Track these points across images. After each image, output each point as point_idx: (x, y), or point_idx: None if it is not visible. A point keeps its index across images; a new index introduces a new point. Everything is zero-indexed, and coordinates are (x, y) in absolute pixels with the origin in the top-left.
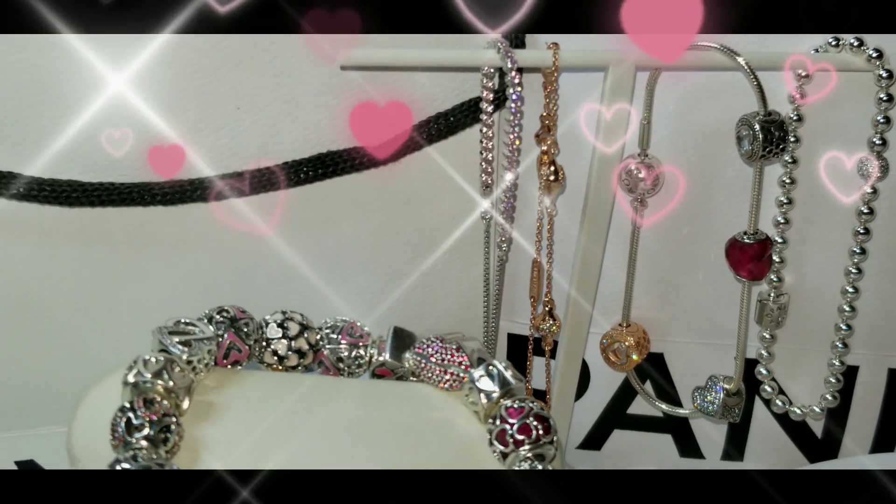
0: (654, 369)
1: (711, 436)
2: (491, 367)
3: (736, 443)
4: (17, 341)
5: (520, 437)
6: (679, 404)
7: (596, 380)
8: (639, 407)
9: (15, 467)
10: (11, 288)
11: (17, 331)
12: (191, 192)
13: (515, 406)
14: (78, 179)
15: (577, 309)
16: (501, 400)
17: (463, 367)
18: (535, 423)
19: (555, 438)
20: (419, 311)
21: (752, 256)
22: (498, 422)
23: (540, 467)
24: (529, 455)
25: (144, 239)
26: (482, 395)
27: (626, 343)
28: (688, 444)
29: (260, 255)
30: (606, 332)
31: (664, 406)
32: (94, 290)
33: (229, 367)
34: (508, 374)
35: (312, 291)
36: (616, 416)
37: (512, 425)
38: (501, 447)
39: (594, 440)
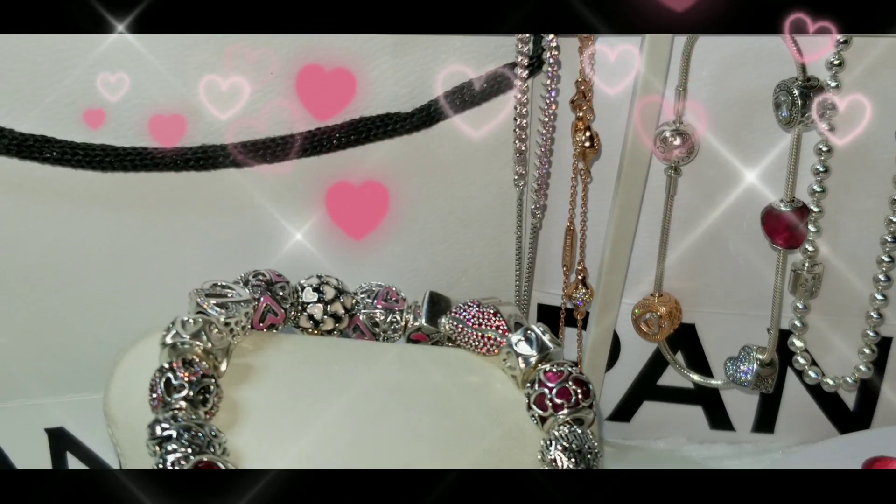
0: (686, 340)
1: (742, 408)
2: (529, 332)
3: (767, 415)
4: (49, 307)
5: (559, 401)
6: (711, 375)
7: (626, 351)
8: (669, 378)
9: (44, 435)
10: (44, 253)
11: (48, 296)
12: (223, 157)
13: (554, 370)
14: (111, 144)
15: (610, 278)
16: (539, 364)
17: (500, 331)
18: (574, 387)
19: (594, 403)
20: (450, 280)
21: (788, 224)
22: (536, 386)
23: (579, 431)
24: (568, 419)
25: (177, 204)
26: (520, 359)
27: (658, 313)
28: (718, 416)
29: (292, 221)
30: (638, 302)
31: (695, 377)
32: (127, 255)
33: (265, 330)
34: (547, 339)
35: (344, 260)
36: (646, 388)
37: (551, 389)
38: (540, 411)
39: (624, 412)
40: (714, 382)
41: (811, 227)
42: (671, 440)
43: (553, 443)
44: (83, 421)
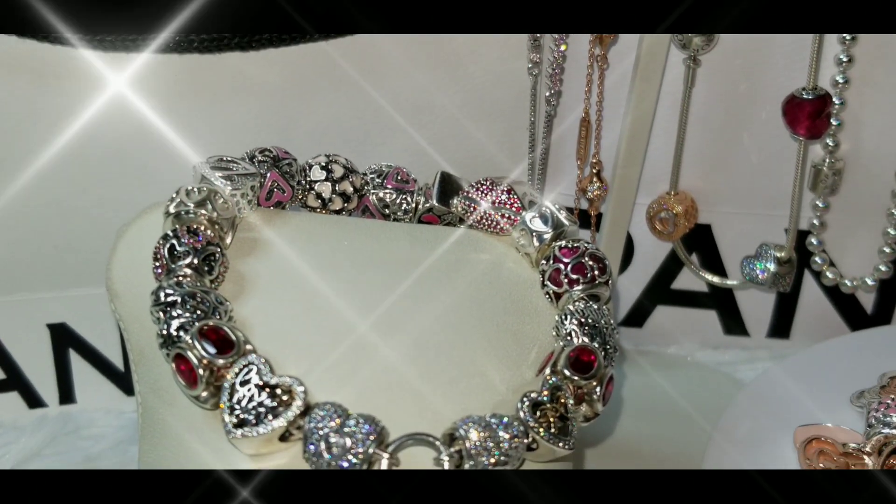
0: (702, 241)
1: (757, 312)
2: (544, 209)
3: (783, 319)
4: (49, 197)
5: (574, 277)
6: (726, 277)
7: (640, 253)
8: (683, 282)
9: (46, 331)
10: (44, 139)
11: (48, 186)
12: (228, 39)
13: (570, 246)
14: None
15: (625, 172)
16: (554, 242)
17: (514, 209)
18: (590, 262)
19: (610, 280)
20: (461, 173)
21: (810, 113)
22: (551, 262)
23: (595, 307)
24: (583, 296)
25: (181, 89)
26: (534, 236)
27: (674, 211)
28: (732, 320)
29: (300, 110)
30: (654, 199)
31: (710, 277)
32: (130, 143)
33: (272, 208)
34: (562, 216)
35: (352, 151)
36: (660, 292)
37: (566, 265)
38: (554, 287)
39: (636, 317)
40: (729, 283)
41: (833, 121)
42: (684, 346)
43: (568, 317)
44: (86, 317)
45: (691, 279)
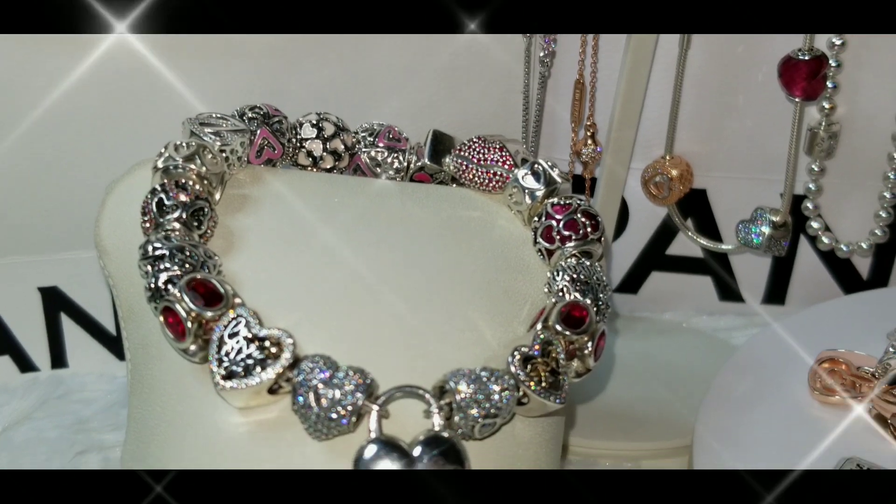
0: (697, 206)
1: (753, 278)
2: (536, 166)
3: (778, 285)
4: (40, 158)
5: (566, 233)
6: (721, 242)
7: (635, 219)
8: (679, 247)
9: (37, 294)
10: (32, 102)
11: (39, 146)
12: None
13: (562, 203)
14: None
15: (620, 135)
16: (547, 199)
17: (506, 166)
18: (582, 219)
19: (603, 237)
20: (454, 135)
21: (807, 74)
22: (543, 219)
23: (587, 263)
24: (576, 252)
25: (171, 49)
26: (526, 193)
27: (669, 175)
28: (728, 286)
29: (291, 74)
30: (648, 164)
31: (705, 242)
32: (123, 103)
33: (262, 166)
34: (555, 173)
35: (344, 114)
36: (655, 258)
37: (558, 221)
38: (546, 244)
39: (631, 283)
40: (724, 247)
41: (829, 84)
42: (679, 312)
43: (560, 273)
44: (78, 280)
45: (686, 245)
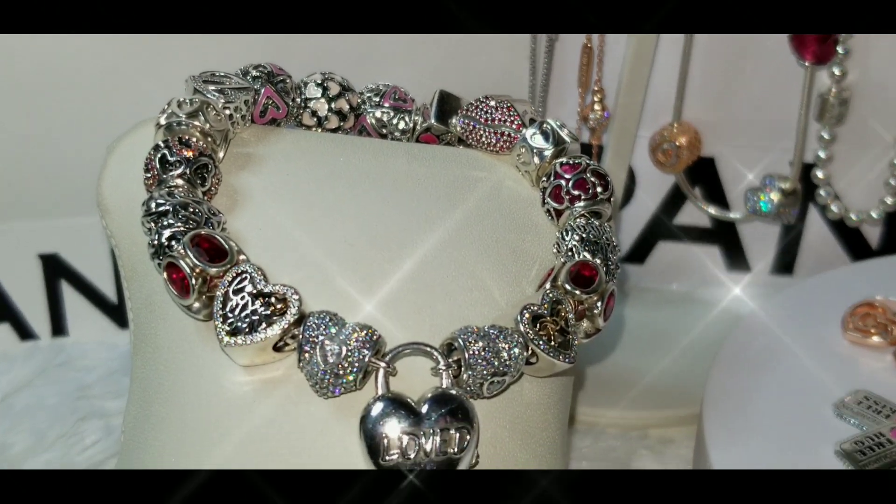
0: (705, 174)
1: (761, 248)
2: (545, 125)
3: (787, 255)
4: (41, 123)
5: (575, 193)
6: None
7: (642, 187)
8: (686, 217)
9: (38, 261)
10: (30, 64)
11: (40, 112)
12: None
13: (571, 163)
14: None
15: (628, 101)
16: (555, 159)
17: (514, 126)
18: (592, 178)
19: (612, 197)
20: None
21: (817, 38)
22: (552, 178)
23: (596, 223)
24: (585, 212)
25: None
26: (535, 154)
27: (678, 143)
28: (736, 256)
29: (296, 38)
30: (656, 130)
31: (714, 210)
32: (123, 62)
33: (266, 125)
34: (564, 133)
35: (350, 78)
36: (662, 227)
37: (567, 181)
38: (555, 204)
39: (638, 253)
40: (732, 216)
41: (840, 50)
42: (687, 282)
43: (569, 233)
44: (79, 247)
45: (694, 214)
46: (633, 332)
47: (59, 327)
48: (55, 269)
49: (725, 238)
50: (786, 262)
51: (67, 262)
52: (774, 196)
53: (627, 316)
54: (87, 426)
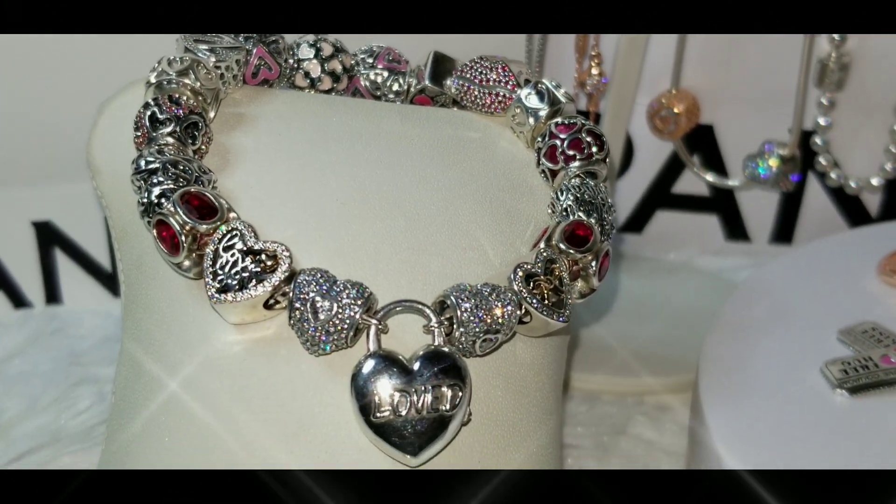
0: (704, 141)
1: (760, 217)
2: (540, 85)
3: (786, 223)
4: (34, 88)
5: (570, 153)
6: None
7: (640, 155)
8: (685, 185)
9: (31, 228)
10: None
11: (33, 76)
12: None
13: (566, 122)
14: None
15: (626, 65)
16: (550, 119)
17: (509, 86)
18: (587, 138)
19: (608, 158)
20: None
21: None
22: (547, 138)
23: (591, 183)
24: (580, 173)
25: None
26: (530, 114)
27: (676, 109)
28: (735, 225)
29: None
30: (654, 97)
31: (712, 177)
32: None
33: (259, 86)
34: (559, 93)
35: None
36: (660, 195)
37: (563, 141)
38: (550, 164)
39: (636, 222)
40: (731, 183)
41: None
42: (685, 252)
43: (564, 193)
44: (72, 215)
45: (693, 183)
46: (631, 301)
47: (52, 295)
48: (49, 237)
49: (724, 207)
50: (785, 231)
51: (61, 229)
52: (773, 162)
53: (625, 285)
54: (80, 392)
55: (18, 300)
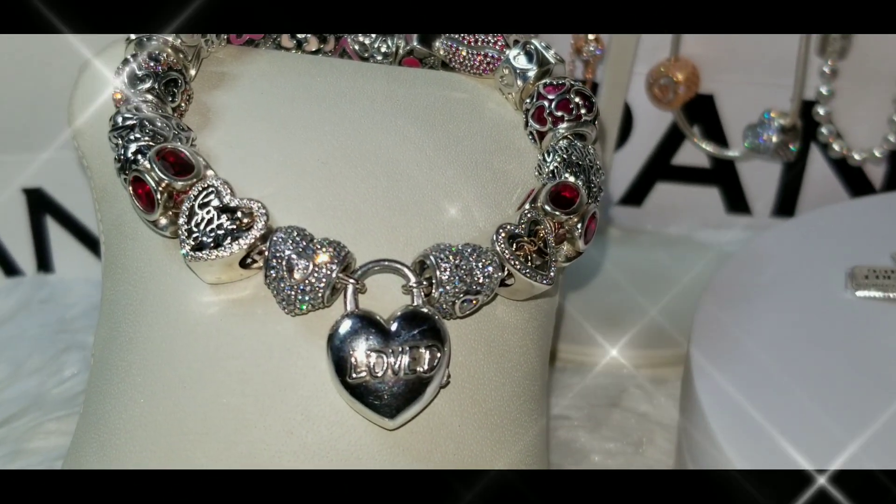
0: (704, 112)
1: (761, 189)
2: (529, 46)
3: (788, 196)
4: (22, 53)
5: (558, 114)
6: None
7: (639, 126)
8: (684, 156)
9: (22, 195)
10: None
11: (24, 41)
12: None
13: (555, 83)
14: None
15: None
16: (539, 80)
17: (498, 47)
18: (576, 98)
19: (598, 120)
20: None
21: None
22: (535, 99)
23: (580, 145)
24: (568, 134)
25: None
26: (518, 75)
27: (675, 78)
28: (736, 197)
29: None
30: (654, 66)
31: (711, 148)
32: None
33: (244, 46)
34: (549, 54)
35: None
36: (659, 167)
37: (551, 101)
38: (538, 126)
39: (635, 194)
40: (731, 153)
41: None
42: (685, 225)
43: (551, 155)
44: (63, 182)
45: (692, 154)
46: (629, 274)
47: (43, 262)
48: (39, 204)
49: (725, 179)
50: (787, 204)
51: (52, 196)
52: (773, 132)
53: (624, 258)
54: (66, 358)
55: (9, 268)
